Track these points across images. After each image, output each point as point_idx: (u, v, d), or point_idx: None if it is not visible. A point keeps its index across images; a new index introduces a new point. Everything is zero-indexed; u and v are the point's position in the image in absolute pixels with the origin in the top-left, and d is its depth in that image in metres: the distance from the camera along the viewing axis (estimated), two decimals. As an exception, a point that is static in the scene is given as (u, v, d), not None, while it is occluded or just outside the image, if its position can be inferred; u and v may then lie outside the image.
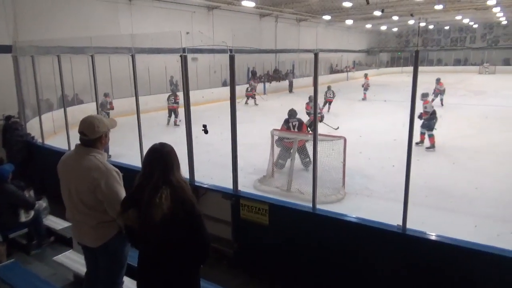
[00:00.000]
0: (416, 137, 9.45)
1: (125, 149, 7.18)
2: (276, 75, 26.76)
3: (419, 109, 14.35)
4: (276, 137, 7.44)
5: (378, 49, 44.17)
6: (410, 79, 3.36)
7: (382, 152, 8.87)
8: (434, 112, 9.75)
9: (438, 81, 17.35)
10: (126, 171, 2.86)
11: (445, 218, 5.39)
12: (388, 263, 3.59)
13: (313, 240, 3.93)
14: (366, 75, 21.12)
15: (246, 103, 18.96)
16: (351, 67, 38.26)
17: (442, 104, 16.79)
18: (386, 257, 3.60)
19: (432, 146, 9.41)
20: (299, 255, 3.99)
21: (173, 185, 2.29)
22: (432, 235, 3.57)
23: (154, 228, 2.26)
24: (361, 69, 39.59)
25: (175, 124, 13.05)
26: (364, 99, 19.19)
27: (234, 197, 4.18)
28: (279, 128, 7.93)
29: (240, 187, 4.26)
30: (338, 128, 10.38)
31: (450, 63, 42.71)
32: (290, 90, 24.71)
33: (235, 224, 4.23)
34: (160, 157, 2.36)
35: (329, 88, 16.01)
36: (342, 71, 35.60)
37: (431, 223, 4.87)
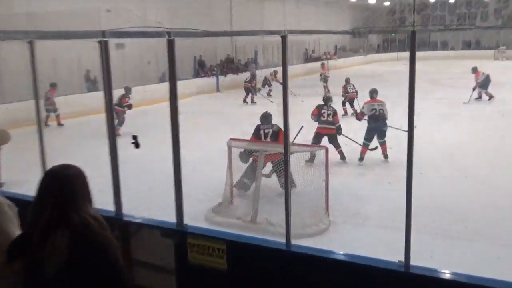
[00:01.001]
0: (420, 144, 9.79)
1: (24, 173, 6.93)
2: (232, 66, 26.89)
3: (426, 107, 14.92)
4: (236, 150, 7.45)
5: (366, 30, 45.61)
6: (407, 68, 3.50)
7: (375, 165, 9.10)
8: (376, 117, 9.56)
9: (474, 71, 18.08)
10: (24, 204, 2.75)
11: (459, 248, 5.58)
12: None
13: (288, 286, 3.95)
14: (323, 65, 22.41)
15: (245, 101, 19.72)
16: (332, 53, 39.13)
17: (481, 98, 17.72)
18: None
19: (361, 159, 9.48)
20: (270, 308, 4.00)
21: (74, 225, 2.19)
22: (444, 273, 3.68)
23: (45, 286, 2.17)
24: (345, 55, 40.68)
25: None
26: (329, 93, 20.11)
27: (179, 235, 4.13)
28: (249, 137, 7.95)
29: (187, 220, 4.22)
30: (376, 148, 9.76)
31: (457, 47, 44.70)
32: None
33: (181, 271, 4.18)
34: (56, 186, 2.25)
35: (347, 81, 16.39)
36: (320, 59, 36.29)
37: (442, 256, 5.04)
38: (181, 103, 4.02)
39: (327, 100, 10.13)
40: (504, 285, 3.38)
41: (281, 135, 7.73)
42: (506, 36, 42.16)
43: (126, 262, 2.46)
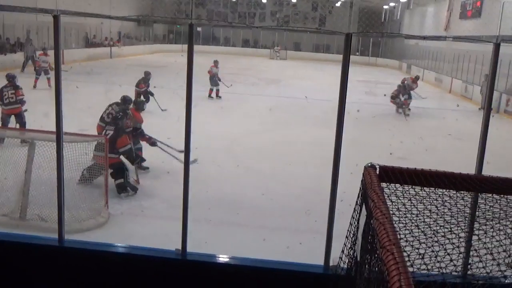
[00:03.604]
0: (198, 137, 10.26)
1: None
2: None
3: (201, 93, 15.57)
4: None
5: (151, 18, 45.61)
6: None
7: (152, 155, 9.17)
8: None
9: (416, 79, 17.90)
10: None
11: (232, 234, 6.09)
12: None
13: (61, 286, 3.82)
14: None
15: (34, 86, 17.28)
16: (115, 40, 38.27)
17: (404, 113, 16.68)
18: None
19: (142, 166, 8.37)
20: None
21: None
22: (217, 257, 4.02)
23: None
24: (130, 43, 40.12)
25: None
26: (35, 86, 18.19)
27: None
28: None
29: None
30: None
31: (238, 44, 48.18)
32: (24, 69, 22.83)
33: None
34: None
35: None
36: (103, 45, 35.21)
37: (216, 242, 5.44)
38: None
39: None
40: (263, 263, 3.85)
41: (119, 142, 7.32)
42: (280, 38, 46.86)
43: None
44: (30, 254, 3.87)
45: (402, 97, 16.40)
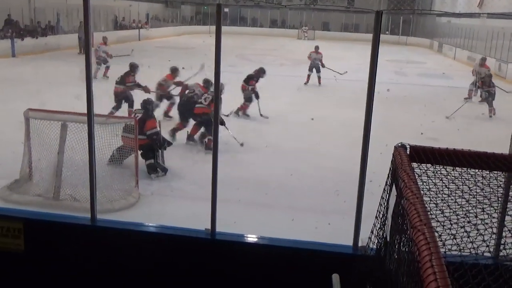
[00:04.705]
0: (228, 118, 10.26)
1: None
2: (31, 28, 24.73)
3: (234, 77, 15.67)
4: (34, 121, 6.93)
5: (178, 0, 45.65)
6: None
7: (182, 136, 9.26)
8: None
9: (483, 61, 15.37)
10: None
11: (260, 214, 6.13)
12: (198, 273, 3.90)
13: (94, 264, 3.91)
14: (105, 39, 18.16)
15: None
16: (143, 22, 38.47)
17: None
18: (195, 267, 3.89)
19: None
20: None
21: None
22: (245, 237, 4.05)
23: None
24: (157, 25, 40.29)
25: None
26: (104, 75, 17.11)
27: (-35, 216, 3.79)
28: (49, 107, 7.39)
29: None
30: None
31: (266, 24, 47.87)
32: (81, 51, 23.21)
33: (-31, 256, 3.84)
34: None
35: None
36: (131, 27, 35.45)
37: (245, 222, 5.47)
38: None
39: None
40: (295, 243, 3.85)
41: (147, 124, 7.42)
42: (308, 18, 46.30)
43: None
44: (64, 233, 3.97)
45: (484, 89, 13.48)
